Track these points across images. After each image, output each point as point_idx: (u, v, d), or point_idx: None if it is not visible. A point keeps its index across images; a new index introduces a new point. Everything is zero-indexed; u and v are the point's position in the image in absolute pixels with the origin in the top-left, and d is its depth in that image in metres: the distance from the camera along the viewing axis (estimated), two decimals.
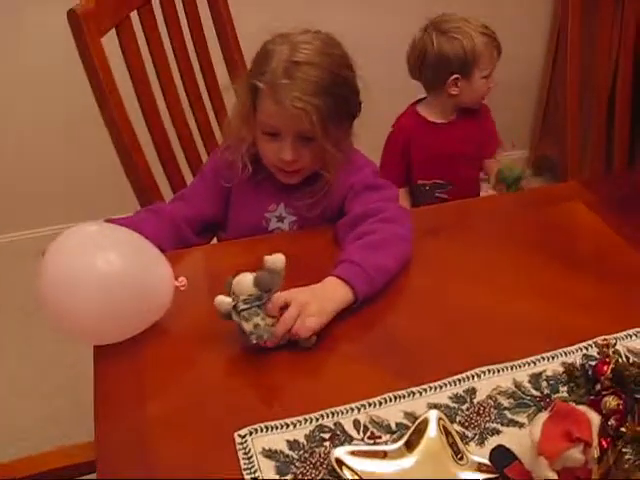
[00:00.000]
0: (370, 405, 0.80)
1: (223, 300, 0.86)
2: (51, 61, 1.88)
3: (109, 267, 0.84)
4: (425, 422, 0.75)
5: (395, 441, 0.75)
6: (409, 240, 0.99)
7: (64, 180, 2.14)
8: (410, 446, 0.73)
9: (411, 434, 0.74)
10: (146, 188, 1.24)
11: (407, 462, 0.72)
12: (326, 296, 0.88)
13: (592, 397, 0.70)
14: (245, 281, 0.85)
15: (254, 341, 0.83)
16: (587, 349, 0.87)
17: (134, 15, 1.23)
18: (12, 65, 1.94)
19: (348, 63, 1.01)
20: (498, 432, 0.77)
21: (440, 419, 0.75)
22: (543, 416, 0.65)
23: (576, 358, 0.85)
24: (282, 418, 0.78)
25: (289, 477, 0.72)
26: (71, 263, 0.84)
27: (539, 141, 2.43)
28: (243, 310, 0.84)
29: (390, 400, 0.80)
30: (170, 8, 1.30)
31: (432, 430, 0.75)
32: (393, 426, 0.78)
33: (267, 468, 0.73)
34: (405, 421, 0.78)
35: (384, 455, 0.73)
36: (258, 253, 0.99)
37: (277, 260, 0.86)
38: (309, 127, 0.97)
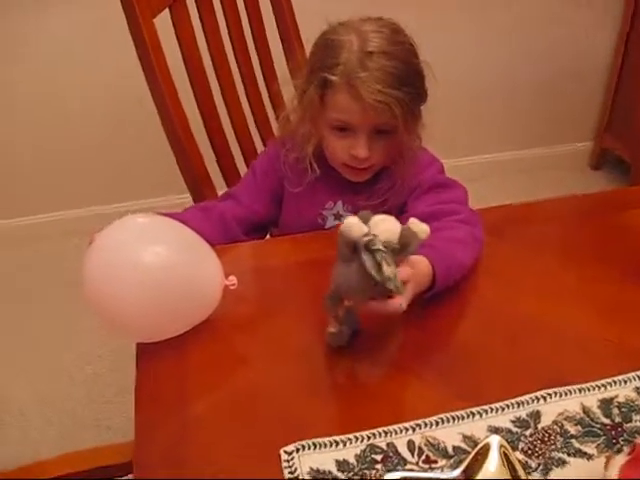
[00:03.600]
0: (426, 425, 0.75)
1: (359, 226, 0.73)
2: (100, 43, 1.86)
3: (156, 260, 0.81)
4: (486, 449, 0.70)
5: (452, 467, 0.70)
6: (482, 243, 0.94)
7: (111, 162, 2.13)
8: (469, 475, 0.68)
9: (470, 462, 0.69)
10: (198, 177, 1.21)
11: None
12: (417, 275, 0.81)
13: None
14: (392, 226, 0.75)
15: (391, 286, 0.72)
16: None
17: None
18: (60, 47, 1.92)
19: (415, 50, 0.95)
20: (564, 462, 0.71)
21: (502, 446, 0.70)
22: (621, 459, 0.60)
23: None
24: (331, 434, 0.74)
25: None
26: (117, 255, 0.81)
27: (603, 133, 2.32)
28: (381, 251, 0.71)
29: (448, 420, 0.75)
30: None
31: (493, 460, 0.69)
32: (450, 450, 0.73)
33: None
34: (463, 445, 0.73)
35: None
36: (311, 251, 0.96)
37: (423, 229, 0.76)
38: (391, 120, 0.91)
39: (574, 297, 0.92)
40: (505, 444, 0.70)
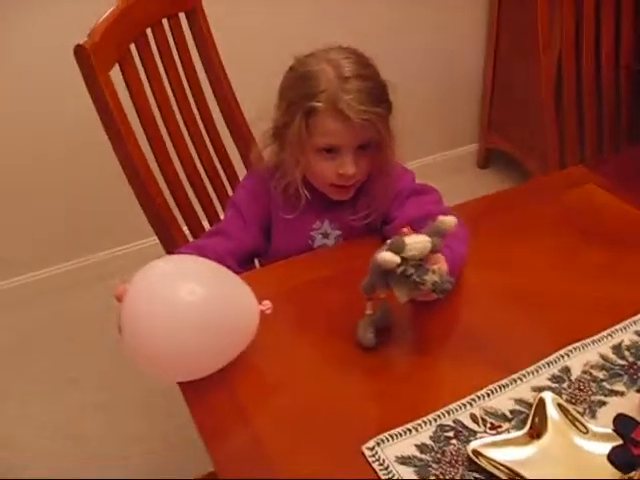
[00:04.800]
0: (480, 398, 0.82)
1: (392, 258, 0.80)
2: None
3: (194, 298, 0.82)
4: (542, 404, 0.79)
5: (516, 428, 0.78)
6: (468, 236, 1.03)
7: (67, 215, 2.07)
8: (537, 429, 0.77)
9: (533, 418, 0.78)
10: (165, 221, 1.22)
11: (541, 445, 0.75)
12: None
13: None
14: (423, 243, 0.82)
15: (439, 295, 0.83)
16: None
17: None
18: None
19: (377, 69, 1.03)
20: (604, 403, 0.81)
21: (554, 399, 0.79)
22: None
23: None
24: (398, 425, 0.79)
25: (432, 479, 0.73)
26: (153, 299, 0.81)
27: (486, 134, 2.54)
28: (411, 275, 0.81)
29: (496, 390, 0.83)
30: (163, 43, 1.28)
31: (552, 410, 0.78)
32: (508, 414, 0.81)
33: (407, 474, 0.74)
34: (518, 407, 0.81)
35: (520, 442, 0.76)
36: (311, 271, 1.02)
37: (451, 220, 0.84)
38: (374, 136, 0.99)
39: (557, 268, 1.04)
40: (557, 397, 0.79)
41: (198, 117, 1.36)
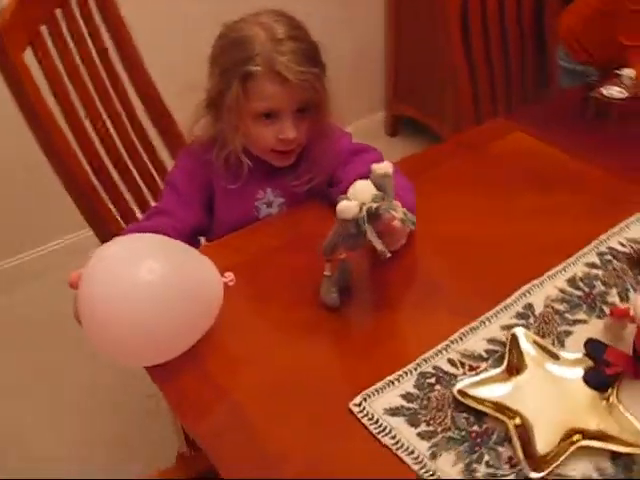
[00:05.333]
0: (453, 342, 0.83)
1: (349, 205, 0.79)
2: None
3: (155, 276, 0.77)
4: (515, 340, 0.81)
5: (493, 366, 0.80)
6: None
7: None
8: (514, 365, 0.79)
9: (509, 354, 0.80)
10: (96, 208, 1.16)
11: (521, 379, 0.77)
12: None
13: None
14: (365, 185, 0.82)
15: (411, 227, 0.85)
16: (597, 248, 0.97)
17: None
18: None
19: (308, 31, 1.02)
20: (570, 333, 0.85)
21: (525, 333, 0.81)
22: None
23: (592, 258, 0.96)
24: (379, 380, 0.79)
25: (424, 426, 0.74)
26: (112, 282, 0.76)
27: (392, 101, 2.58)
28: (377, 209, 0.80)
29: (468, 333, 0.85)
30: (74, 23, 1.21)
31: (528, 347, 0.80)
32: (484, 354, 0.82)
33: (398, 424, 0.74)
34: (491, 347, 0.83)
35: (500, 379, 0.77)
36: (263, 240, 1.00)
37: (385, 165, 0.83)
38: (313, 96, 0.97)
39: (497, 214, 1.06)
40: (528, 332, 0.82)
41: (115, 98, 1.29)
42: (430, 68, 2.35)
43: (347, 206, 0.80)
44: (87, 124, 1.21)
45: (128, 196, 1.29)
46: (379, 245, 0.81)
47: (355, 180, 0.85)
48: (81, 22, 1.23)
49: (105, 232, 1.17)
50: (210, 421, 0.78)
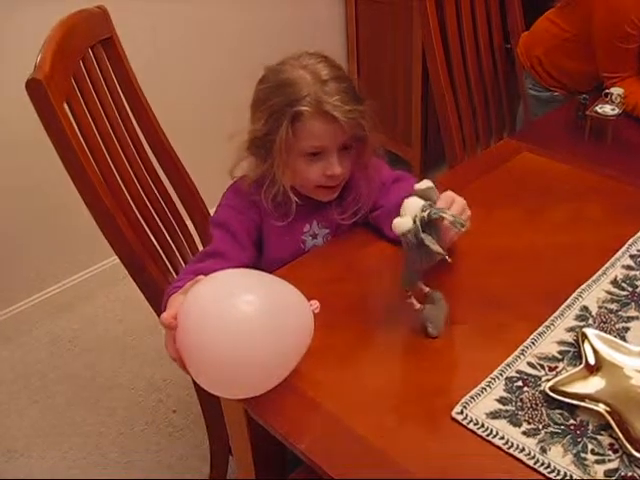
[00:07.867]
0: (528, 348, 0.90)
1: (402, 220, 0.87)
2: None
3: (252, 308, 0.81)
4: (585, 339, 0.88)
5: (570, 365, 0.87)
6: None
7: None
8: (591, 361, 0.85)
9: (584, 352, 0.87)
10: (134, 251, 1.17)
11: (601, 373, 0.85)
12: None
13: None
14: (413, 201, 0.88)
15: (462, 229, 0.89)
16: (629, 250, 1.07)
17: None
18: None
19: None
20: (628, 328, 0.93)
21: (593, 332, 0.89)
22: None
23: (627, 261, 1.05)
24: (470, 389, 0.84)
25: (525, 425, 0.79)
26: (212, 317, 0.79)
27: None
28: (428, 215, 0.86)
29: (537, 338, 0.91)
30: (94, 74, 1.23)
31: (596, 342, 0.88)
32: (558, 355, 0.89)
33: (503, 426, 0.79)
34: (563, 348, 0.90)
35: (583, 376, 0.84)
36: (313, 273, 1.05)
37: (426, 181, 0.90)
38: (359, 133, 1.02)
39: (528, 229, 1.15)
40: (596, 331, 0.89)
41: (132, 146, 1.32)
42: (394, 98, 2.47)
43: (401, 221, 0.87)
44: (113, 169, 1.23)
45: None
46: (439, 249, 0.87)
47: (394, 207, 0.93)
48: (99, 73, 1.26)
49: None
50: (311, 434, 0.81)
